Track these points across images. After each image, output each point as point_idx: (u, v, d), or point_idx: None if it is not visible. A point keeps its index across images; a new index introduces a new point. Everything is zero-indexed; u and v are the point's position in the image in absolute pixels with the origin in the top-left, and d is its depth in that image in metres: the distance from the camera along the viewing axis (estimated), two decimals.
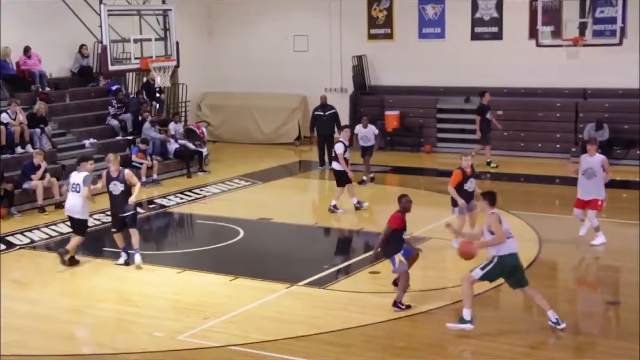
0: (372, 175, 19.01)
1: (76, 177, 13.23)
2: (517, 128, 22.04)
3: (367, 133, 18.59)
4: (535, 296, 10.16)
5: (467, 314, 9.89)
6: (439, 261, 13.40)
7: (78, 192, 13.04)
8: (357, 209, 16.30)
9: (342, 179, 16.19)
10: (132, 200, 12.88)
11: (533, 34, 20.41)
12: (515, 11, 22.22)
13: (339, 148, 16.07)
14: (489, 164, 20.33)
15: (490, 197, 10.15)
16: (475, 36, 22.92)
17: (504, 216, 10.25)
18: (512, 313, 10.93)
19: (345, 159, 16.05)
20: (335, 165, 16.24)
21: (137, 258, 12.91)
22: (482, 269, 9.94)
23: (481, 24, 22.83)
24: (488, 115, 20.36)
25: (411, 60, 23.50)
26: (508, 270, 9.98)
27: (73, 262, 13.02)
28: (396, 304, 10.75)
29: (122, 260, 13.10)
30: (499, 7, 22.57)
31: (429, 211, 16.38)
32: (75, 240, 13.14)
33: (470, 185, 13.72)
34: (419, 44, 23.52)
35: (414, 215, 15.93)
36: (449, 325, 10.02)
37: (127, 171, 13.16)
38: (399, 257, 10.74)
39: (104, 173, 13.20)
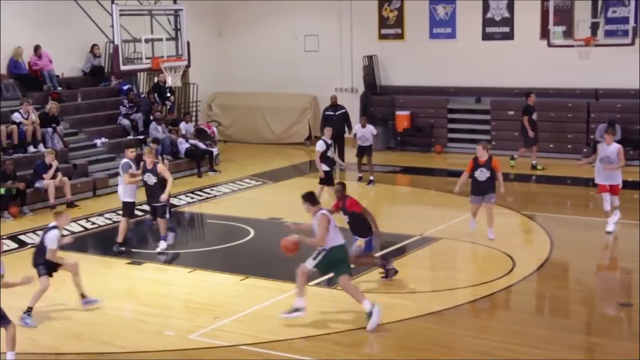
0: (372, 177, 18.87)
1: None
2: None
3: (365, 133, 18.63)
4: (347, 286, 10.36)
5: (299, 302, 10.25)
6: (449, 262, 13.37)
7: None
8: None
9: (325, 179, 16.08)
10: (163, 197, 13.61)
11: (545, 34, 20.32)
12: (526, 11, 22.15)
13: (318, 146, 16.14)
14: (534, 167, 19.91)
15: (310, 198, 10.43)
16: (486, 36, 22.86)
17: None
18: (523, 314, 10.89)
19: (328, 157, 16.06)
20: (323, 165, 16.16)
21: (162, 244, 13.69)
22: (314, 259, 10.30)
23: (492, 24, 22.76)
24: (534, 116, 20.01)
25: (422, 60, 23.46)
26: (336, 261, 10.33)
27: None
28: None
29: (163, 246, 13.73)
30: (510, 7, 22.49)
31: (439, 212, 16.37)
32: (121, 223, 13.87)
33: (481, 175, 13.80)
34: (429, 44, 23.47)
35: (424, 216, 16.05)
36: (282, 315, 10.27)
37: (160, 165, 13.87)
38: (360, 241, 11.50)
39: (142, 164, 13.92)
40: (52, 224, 10.93)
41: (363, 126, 18.71)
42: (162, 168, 13.82)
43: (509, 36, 22.55)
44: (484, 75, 22.56)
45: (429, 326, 10.34)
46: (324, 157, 16.15)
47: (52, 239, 10.73)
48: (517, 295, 11.61)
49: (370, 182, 18.69)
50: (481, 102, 22.94)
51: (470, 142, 22.81)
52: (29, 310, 10.53)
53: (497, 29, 22.69)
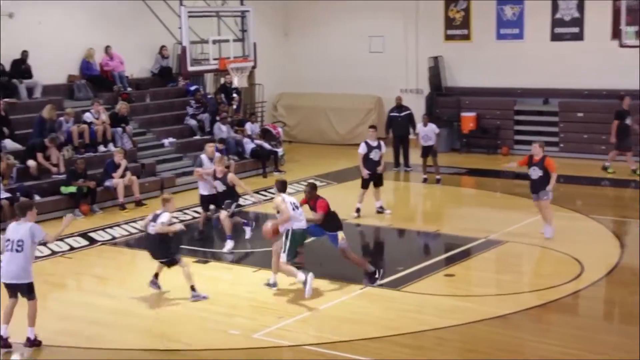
0: (438, 177, 18.77)
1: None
2: (598, 131, 21.50)
3: (427, 132, 18.43)
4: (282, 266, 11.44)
5: (272, 278, 11.83)
6: (515, 265, 13.21)
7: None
8: (378, 212, 15.99)
9: (366, 180, 15.81)
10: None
11: (616, 34, 19.90)
12: (597, 11, 21.70)
13: (360, 148, 15.75)
14: (634, 171, 19.13)
15: (280, 184, 12.15)
16: (555, 37, 22.46)
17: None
18: (590, 320, 10.70)
19: (372, 160, 15.55)
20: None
21: (228, 244, 13.93)
22: (284, 251, 11.42)
23: (561, 25, 22.36)
24: (628, 121, 19.38)
25: (488, 62, 23.21)
26: (300, 240, 11.71)
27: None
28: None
29: (229, 246, 13.94)
30: (581, 7, 22.06)
31: (505, 214, 16.17)
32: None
33: (533, 173, 13.89)
34: (496, 45, 23.20)
35: (489, 219, 15.88)
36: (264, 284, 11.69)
37: (230, 175, 14.28)
38: (341, 234, 12.08)
39: (213, 171, 14.33)
40: (160, 210, 11.50)
41: (425, 125, 18.57)
42: (232, 177, 14.20)
43: (579, 37, 22.12)
44: (552, 77, 22.20)
45: (494, 330, 10.22)
46: (366, 160, 15.65)
47: (165, 216, 11.33)
48: (584, 301, 11.40)
49: (437, 181, 18.54)
50: (549, 103, 22.58)
51: None
52: (193, 289, 11.40)
53: (567, 29, 22.28)
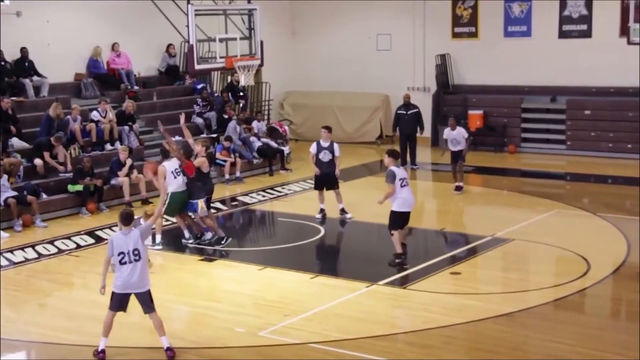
0: (460, 183, 18.26)
1: None
2: (606, 128, 21.47)
3: (456, 136, 17.46)
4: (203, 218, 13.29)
5: (158, 238, 13.68)
6: (521, 263, 13.17)
7: None
8: (340, 215, 15.63)
9: (318, 182, 15.59)
10: None
11: (624, 31, 19.82)
12: (605, 8, 21.61)
13: (311, 147, 15.53)
14: None
15: (162, 151, 14.26)
16: (562, 34, 22.39)
17: None
18: (597, 318, 10.66)
19: (322, 161, 15.43)
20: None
21: (207, 235, 14.22)
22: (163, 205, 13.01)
23: (569, 22, 22.28)
24: None
25: (496, 59, 23.16)
26: (179, 203, 13.64)
27: None
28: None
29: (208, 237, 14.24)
30: (589, 4, 21.97)
31: (512, 213, 16.13)
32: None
33: None
34: (504, 43, 23.15)
35: (496, 217, 15.84)
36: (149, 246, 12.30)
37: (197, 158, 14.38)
38: (201, 202, 13.57)
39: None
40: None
41: (453, 128, 17.49)
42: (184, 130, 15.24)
43: (587, 34, 22.04)
44: (559, 74, 22.13)
45: (501, 328, 10.20)
46: (316, 160, 15.46)
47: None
48: (591, 299, 11.37)
49: (458, 188, 17.65)
50: (557, 101, 22.52)
51: (544, 142, 22.52)
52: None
53: (575, 26, 22.20)
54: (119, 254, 9.30)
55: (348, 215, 15.63)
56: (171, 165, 13.91)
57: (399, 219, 12.73)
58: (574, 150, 21.86)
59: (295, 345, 9.79)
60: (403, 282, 11.92)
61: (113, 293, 9.46)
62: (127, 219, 9.48)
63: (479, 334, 10.04)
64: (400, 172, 12.59)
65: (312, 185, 16.44)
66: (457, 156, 17.66)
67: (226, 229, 14.69)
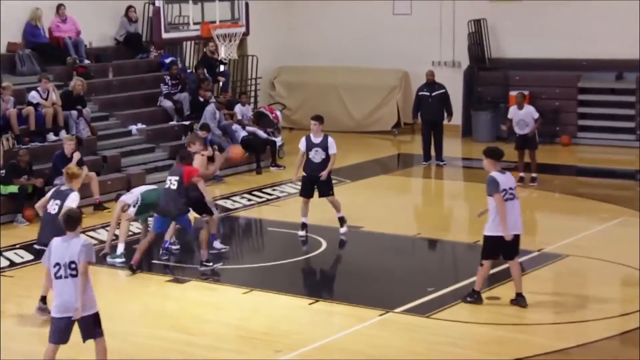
0: (534, 174, 18.42)
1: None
2: None
3: (524, 116, 17.94)
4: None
5: (120, 248, 14.16)
6: (578, 286, 13.18)
7: None
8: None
9: (305, 187, 15.47)
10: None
11: None
12: None
13: (301, 144, 15.44)
14: None
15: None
16: None
17: None
18: None
19: (312, 161, 15.17)
20: None
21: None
22: (134, 206, 14.23)
23: None
24: None
25: (545, 26, 23.21)
26: (152, 202, 14.02)
27: None
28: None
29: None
30: None
31: (566, 221, 16.17)
32: None
33: None
34: (555, 5, 23.16)
35: (545, 226, 15.84)
36: (108, 259, 13.95)
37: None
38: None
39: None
40: (65, 187, 12.65)
41: (520, 107, 18.00)
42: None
43: None
44: (628, 44, 22.11)
45: None
46: (305, 160, 15.33)
47: (74, 198, 12.46)
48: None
49: (533, 180, 18.23)
50: (623, 79, 22.55)
51: (607, 132, 22.52)
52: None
53: None
54: (54, 265, 9.25)
55: (343, 230, 15.39)
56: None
57: (493, 246, 11.82)
58: None
59: None
60: (426, 310, 11.94)
61: (52, 318, 9.43)
62: (71, 222, 9.36)
63: None
64: (505, 180, 11.68)
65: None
66: (524, 141, 18.03)
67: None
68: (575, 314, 11.89)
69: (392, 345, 10.90)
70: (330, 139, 15.39)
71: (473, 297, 11.96)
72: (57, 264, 9.22)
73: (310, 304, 12.38)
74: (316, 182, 15.35)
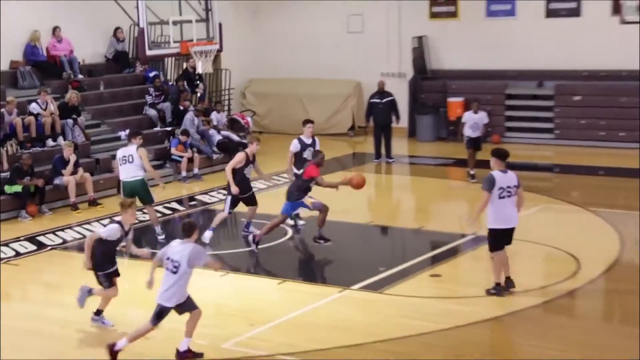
0: (473, 172, 18.41)
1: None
2: (598, 115, 21.80)
3: (477, 120, 17.96)
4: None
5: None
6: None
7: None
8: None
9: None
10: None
11: (617, 9, 20.16)
12: None
13: (292, 146, 15.05)
14: None
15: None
16: (550, 13, 22.69)
17: None
18: (588, 321, 10.89)
19: (306, 160, 14.75)
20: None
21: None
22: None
23: None
24: None
25: (477, 41, 23.40)
26: (129, 192, 14.09)
27: None
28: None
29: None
30: None
31: None
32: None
33: None
34: (486, 23, 23.39)
35: (481, 214, 15.96)
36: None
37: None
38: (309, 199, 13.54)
39: None
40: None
41: (475, 112, 18.00)
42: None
43: (576, 12, 22.36)
44: (547, 57, 22.41)
45: (486, 333, 10.40)
46: (298, 160, 14.98)
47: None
48: (582, 300, 11.58)
49: (471, 177, 18.04)
50: (544, 86, 22.81)
51: (531, 132, 22.77)
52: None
53: (563, 4, 22.52)
54: (167, 258, 9.70)
55: (301, 222, 15.35)
56: (122, 151, 14.54)
57: (499, 238, 11.47)
58: (563, 139, 22.17)
59: (262, 358, 9.88)
60: (379, 287, 12.05)
61: (158, 305, 9.81)
62: (187, 230, 9.89)
63: (462, 340, 10.20)
64: (503, 179, 11.36)
65: (278, 182, 16.43)
66: (476, 142, 18.01)
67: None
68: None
69: (351, 317, 11.01)
70: (317, 140, 15.27)
71: (497, 290, 11.49)
72: (169, 258, 9.72)
73: (279, 283, 12.48)
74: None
